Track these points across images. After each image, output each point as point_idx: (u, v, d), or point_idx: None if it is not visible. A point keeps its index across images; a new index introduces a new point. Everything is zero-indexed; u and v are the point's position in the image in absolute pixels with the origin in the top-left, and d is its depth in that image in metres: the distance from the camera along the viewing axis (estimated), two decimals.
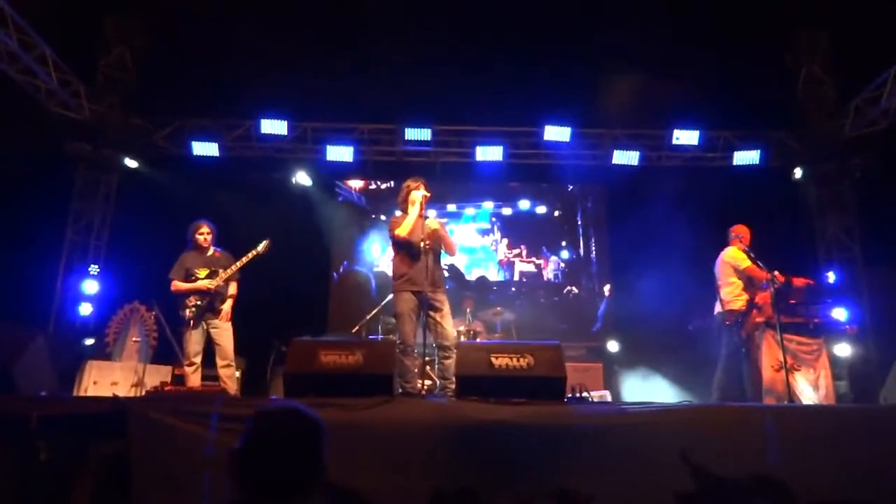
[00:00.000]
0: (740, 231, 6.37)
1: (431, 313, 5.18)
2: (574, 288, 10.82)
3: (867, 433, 3.97)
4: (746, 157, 10.03)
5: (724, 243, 6.48)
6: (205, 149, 10.09)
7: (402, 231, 5.29)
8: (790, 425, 3.98)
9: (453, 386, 4.59)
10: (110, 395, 4.61)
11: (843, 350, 7.91)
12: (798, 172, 9.92)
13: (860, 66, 9.19)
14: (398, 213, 5.60)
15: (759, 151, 9.99)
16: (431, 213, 5.63)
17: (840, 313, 7.97)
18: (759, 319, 6.05)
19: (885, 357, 6.93)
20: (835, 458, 3.83)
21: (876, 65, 8.92)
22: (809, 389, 6.72)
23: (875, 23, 8.27)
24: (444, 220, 5.89)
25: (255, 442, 1.70)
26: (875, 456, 3.83)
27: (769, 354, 6.75)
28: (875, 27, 8.32)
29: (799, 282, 6.11)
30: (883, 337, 7.78)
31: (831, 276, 9.38)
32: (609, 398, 7.28)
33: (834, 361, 7.22)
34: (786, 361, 5.38)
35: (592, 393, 5.61)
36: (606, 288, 10.64)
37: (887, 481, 3.73)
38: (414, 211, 5.35)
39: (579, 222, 11.17)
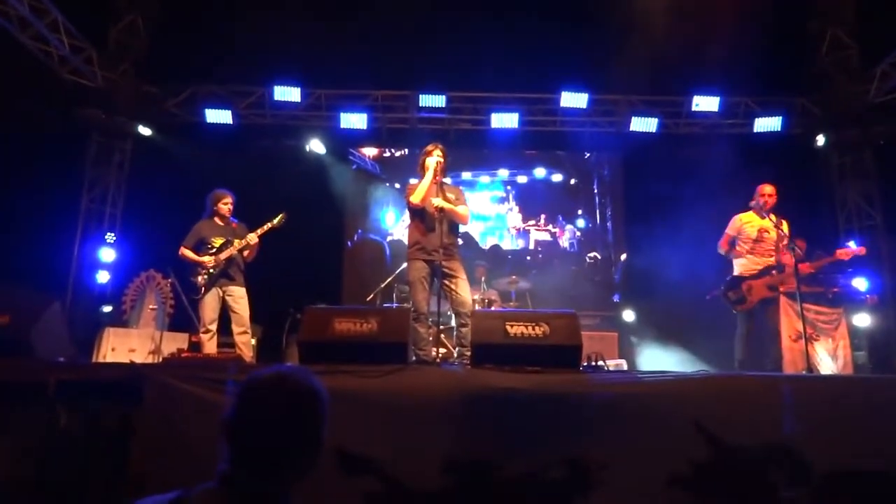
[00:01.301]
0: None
1: (445, 281, 5.15)
2: (597, 254, 10.72)
3: (886, 403, 3.92)
4: (767, 124, 9.83)
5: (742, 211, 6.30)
6: (218, 116, 10.05)
7: (415, 198, 5.24)
8: (808, 395, 3.94)
9: (469, 353, 4.58)
10: (128, 361, 4.65)
11: (863, 320, 7.81)
12: (820, 139, 9.72)
13: (886, 30, 8.90)
14: (413, 180, 5.54)
15: (780, 118, 9.79)
16: (447, 180, 5.56)
17: (860, 283, 7.90)
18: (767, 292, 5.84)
19: None
20: (853, 428, 3.79)
21: None
22: (828, 359, 6.68)
23: None
24: (461, 187, 5.77)
25: (244, 411, 1.57)
26: (893, 426, 3.79)
27: (787, 324, 6.70)
28: None
29: (805, 268, 5.85)
30: None
31: (852, 245, 9.22)
32: (625, 367, 7.26)
33: (853, 331, 7.14)
34: (805, 331, 5.29)
35: (608, 362, 5.60)
36: (622, 257, 10.55)
37: None
38: (427, 177, 5.29)
39: (595, 191, 11.05)
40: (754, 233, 5.92)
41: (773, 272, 5.81)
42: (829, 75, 9.70)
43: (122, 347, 7.55)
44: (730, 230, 6.03)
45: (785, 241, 5.68)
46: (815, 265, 5.98)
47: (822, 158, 9.97)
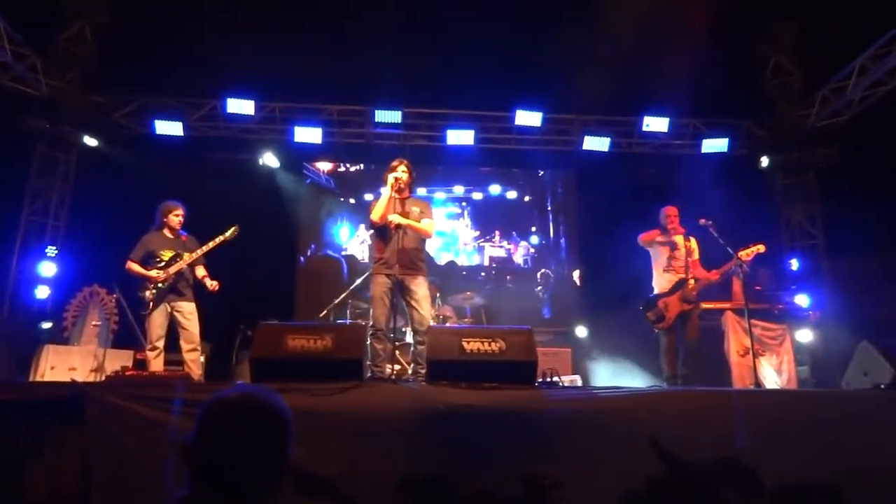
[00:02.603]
0: None
1: (407, 297, 5.12)
2: (549, 271, 10.81)
3: (832, 417, 4.04)
4: (714, 145, 10.12)
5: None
6: (168, 128, 9.80)
7: (374, 215, 5.23)
8: (758, 410, 4.03)
9: (425, 371, 4.54)
10: (69, 380, 4.46)
11: (805, 336, 8.06)
12: (764, 161, 10.05)
13: (826, 57, 9.29)
14: (369, 195, 5.52)
15: (727, 139, 10.10)
16: (422, 191, 5.57)
17: (803, 299, 8.16)
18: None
19: (844, 343, 7.08)
20: (801, 442, 3.89)
21: (842, 57, 9.03)
22: (773, 374, 6.86)
23: (842, 16, 8.36)
24: (427, 201, 5.78)
25: (206, 434, 1.50)
26: (840, 440, 3.90)
27: (735, 340, 6.88)
28: (842, 20, 8.41)
29: (712, 275, 6.21)
30: (843, 323, 7.94)
31: (794, 264, 9.55)
32: (580, 383, 7.32)
33: (796, 347, 7.35)
34: (753, 346, 5.44)
35: (563, 378, 5.62)
36: (576, 273, 10.67)
37: (851, 465, 3.79)
38: (385, 193, 5.27)
39: (549, 208, 11.17)
40: (666, 251, 6.33)
41: (689, 284, 6.17)
42: (773, 99, 10.07)
43: (63, 366, 7.23)
44: (645, 237, 6.48)
45: (694, 257, 6.24)
46: (721, 271, 6.19)
47: (767, 179, 10.30)
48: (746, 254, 5.90)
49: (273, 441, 1.54)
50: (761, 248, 5.98)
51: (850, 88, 8.98)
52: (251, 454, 1.49)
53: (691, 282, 6.15)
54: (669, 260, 6.31)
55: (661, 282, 6.33)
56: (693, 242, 6.33)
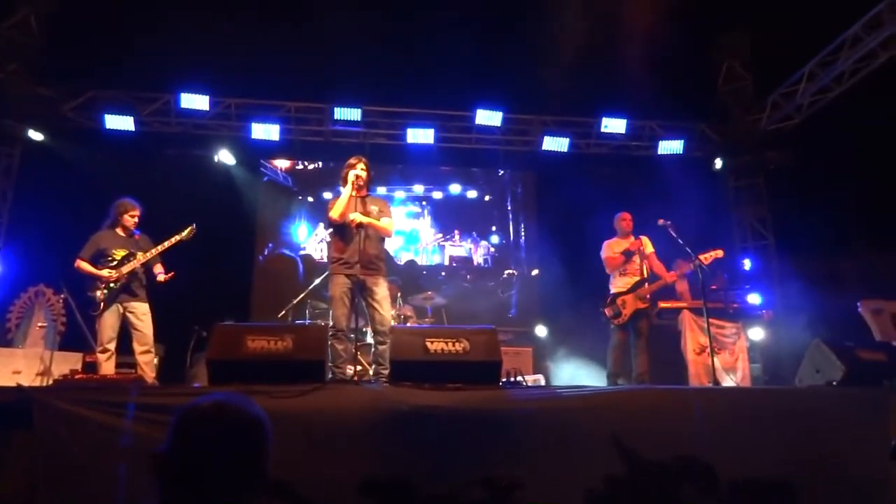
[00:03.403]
0: None
1: (367, 297, 5.05)
2: (514, 270, 10.85)
3: (787, 414, 4.14)
4: (670, 147, 10.31)
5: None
6: (119, 122, 9.49)
7: (334, 213, 5.15)
8: (717, 407, 4.10)
9: (387, 372, 4.49)
10: (13, 384, 4.27)
11: (757, 334, 8.27)
12: (718, 163, 10.29)
13: (777, 64, 9.57)
14: (328, 194, 5.43)
15: (682, 141, 10.29)
16: (381, 189, 5.49)
17: (755, 298, 8.37)
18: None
19: (795, 341, 7.29)
20: (756, 438, 3.97)
21: (791, 63, 9.31)
22: (728, 372, 7.01)
23: (792, 23, 8.62)
24: (385, 200, 5.71)
25: (182, 443, 1.43)
26: (795, 435, 3.99)
27: (691, 338, 7.02)
28: (792, 28, 8.68)
29: (671, 276, 6.59)
30: (793, 321, 8.17)
31: (747, 264, 9.79)
32: (543, 382, 7.36)
33: (749, 345, 7.54)
34: (711, 344, 5.55)
35: (526, 377, 5.64)
36: (535, 273, 10.73)
37: (806, 459, 3.89)
38: (345, 191, 5.20)
39: (509, 207, 11.20)
40: (623, 257, 6.64)
41: (645, 284, 6.50)
42: (726, 103, 10.32)
43: (6, 369, 6.92)
44: (608, 253, 6.76)
45: (650, 252, 6.64)
46: (679, 272, 6.59)
47: (720, 181, 10.55)
48: (706, 257, 6.10)
49: (252, 450, 1.47)
50: (720, 252, 6.24)
51: (799, 94, 9.26)
52: (229, 464, 1.42)
53: (646, 285, 6.48)
54: (626, 264, 6.60)
55: (618, 283, 6.61)
56: (645, 240, 6.68)
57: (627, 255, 6.61)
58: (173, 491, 1.41)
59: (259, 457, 1.48)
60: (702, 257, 6.03)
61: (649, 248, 6.69)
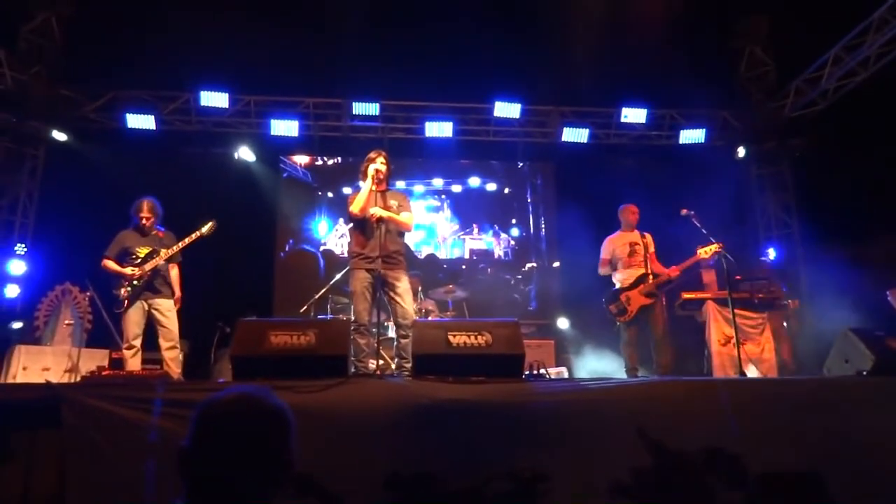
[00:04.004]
0: None
1: (388, 291, 5.05)
2: (535, 263, 10.79)
3: (816, 405, 4.05)
4: (692, 136, 10.19)
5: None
6: (140, 122, 9.60)
7: (354, 207, 5.14)
8: (744, 398, 4.03)
9: (409, 365, 4.49)
10: (42, 381, 4.33)
11: (784, 324, 8.15)
12: (741, 151, 10.13)
13: (800, 49, 9.39)
14: (348, 189, 5.43)
15: (704, 130, 10.16)
16: (400, 184, 5.48)
17: (781, 288, 8.23)
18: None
19: (823, 330, 7.16)
20: (785, 429, 3.90)
21: (816, 48, 9.13)
22: (754, 363, 6.91)
23: (815, 7, 8.45)
24: (405, 194, 5.70)
25: (204, 438, 1.43)
26: (823, 426, 3.91)
27: (716, 329, 6.93)
28: (815, 11, 8.50)
29: (672, 271, 6.34)
30: (820, 311, 8.05)
31: (772, 253, 9.65)
32: (566, 375, 7.32)
33: (776, 335, 7.43)
34: (737, 335, 5.47)
35: (549, 370, 5.61)
36: (556, 265, 10.66)
37: (834, 451, 3.82)
38: (366, 186, 5.19)
39: (529, 200, 11.14)
40: (626, 248, 6.45)
41: (649, 279, 6.29)
42: (748, 91, 10.16)
43: (35, 366, 7.04)
44: (605, 254, 6.60)
45: (651, 252, 6.42)
46: (682, 267, 6.29)
47: (743, 169, 10.39)
48: (705, 252, 6.00)
49: (275, 443, 1.46)
50: (716, 247, 6.02)
51: (824, 79, 9.08)
52: (253, 458, 1.41)
53: (649, 279, 6.28)
54: (630, 256, 6.43)
55: (621, 276, 6.43)
56: (649, 238, 6.52)
57: (630, 243, 6.46)
58: (198, 485, 1.40)
59: (281, 448, 1.46)
60: (701, 251, 5.98)
61: (651, 247, 6.50)
